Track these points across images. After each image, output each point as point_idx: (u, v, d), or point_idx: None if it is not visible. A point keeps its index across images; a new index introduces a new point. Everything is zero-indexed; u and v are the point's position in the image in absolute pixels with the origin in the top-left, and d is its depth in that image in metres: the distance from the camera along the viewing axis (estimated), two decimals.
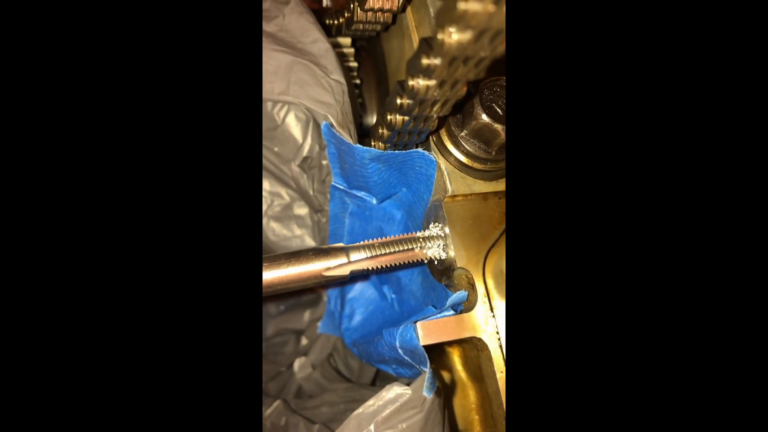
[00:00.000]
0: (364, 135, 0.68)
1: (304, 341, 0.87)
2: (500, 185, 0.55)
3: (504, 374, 0.48)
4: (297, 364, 0.84)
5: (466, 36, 0.33)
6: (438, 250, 0.54)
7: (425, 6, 0.55)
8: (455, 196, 0.53)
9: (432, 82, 0.40)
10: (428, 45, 0.37)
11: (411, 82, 0.41)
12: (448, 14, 0.32)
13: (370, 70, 0.72)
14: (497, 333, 0.49)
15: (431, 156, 0.54)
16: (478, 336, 0.49)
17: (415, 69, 0.39)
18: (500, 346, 0.49)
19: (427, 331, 0.48)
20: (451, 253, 0.52)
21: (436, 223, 0.55)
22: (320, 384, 0.82)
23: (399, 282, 0.69)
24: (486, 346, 0.49)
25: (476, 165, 0.54)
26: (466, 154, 0.54)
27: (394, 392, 0.53)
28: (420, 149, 0.54)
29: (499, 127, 0.51)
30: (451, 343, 0.63)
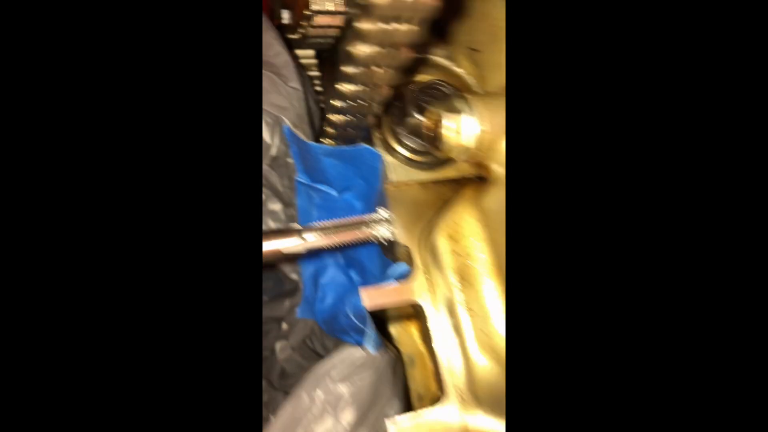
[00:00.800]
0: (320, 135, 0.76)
1: (284, 326, 0.95)
2: (438, 175, 0.63)
3: (439, 335, 0.56)
4: (278, 346, 0.92)
5: (371, 48, 0.42)
6: (385, 231, 0.62)
7: None
8: (398, 183, 0.61)
9: (354, 87, 0.48)
10: (346, 55, 0.45)
11: (340, 87, 0.49)
12: (352, 30, 0.41)
13: (330, 79, 0.80)
14: (434, 299, 0.57)
15: (375, 150, 0.62)
16: (415, 301, 0.57)
17: (340, 76, 0.48)
18: (435, 310, 0.57)
19: (370, 296, 0.56)
20: (394, 232, 0.61)
21: (383, 209, 0.63)
22: (299, 364, 0.90)
23: (362, 265, 0.78)
24: (423, 311, 0.57)
25: (417, 158, 0.63)
26: (407, 148, 0.63)
27: (348, 352, 0.61)
28: (365, 145, 0.63)
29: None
30: (407, 318, 0.71)
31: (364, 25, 0.38)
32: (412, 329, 0.73)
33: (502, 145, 0.49)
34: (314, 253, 0.77)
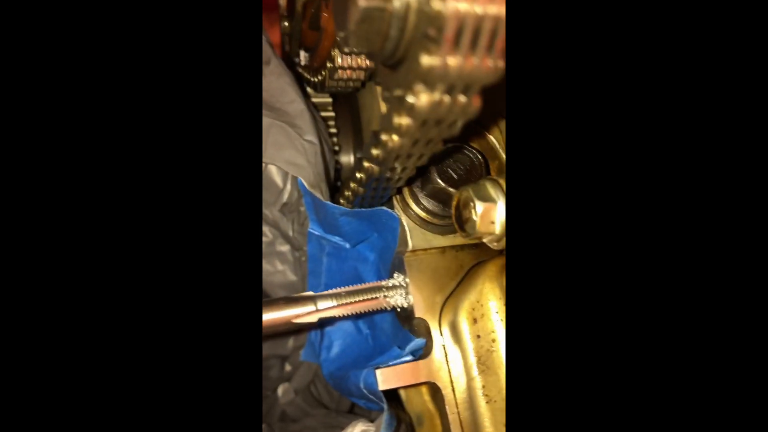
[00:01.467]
0: (338, 189, 0.73)
1: (287, 367, 0.93)
2: (457, 239, 0.61)
3: (455, 415, 0.54)
4: (281, 389, 0.89)
5: (403, 140, 0.39)
6: (400, 299, 0.60)
7: None
8: (415, 250, 0.58)
9: (382, 168, 0.45)
10: (376, 138, 0.42)
11: (366, 165, 0.46)
12: (389, 122, 0.38)
13: (346, 120, 0.77)
14: (450, 378, 0.54)
15: (394, 213, 0.59)
16: (433, 381, 0.54)
17: (367, 154, 0.45)
18: (452, 390, 0.54)
19: (385, 377, 0.53)
20: (411, 303, 0.58)
21: (399, 274, 0.60)
22: (302, 409, 0.87)
23: (372, 319, 0.75)
24: (440, 389, 0.54)
25: (435, 221, 0.60)
26: (426, 211, 0.60)
27: (359, 429, 0.58)
28: (384, 207, 0.60)
29: (453, 191, 0.56)
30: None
31: (399, 120, 0.35)
32: (422, 388, 0.71)
33: None
34: (327, 322, 0.74)
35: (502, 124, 0.58)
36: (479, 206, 0.45)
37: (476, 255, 0.60)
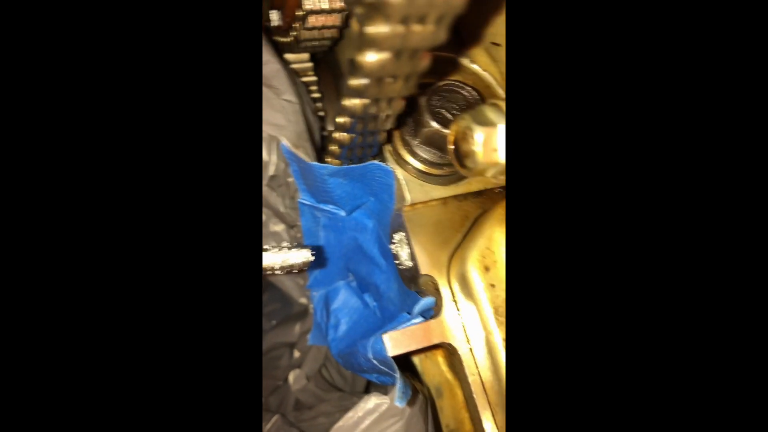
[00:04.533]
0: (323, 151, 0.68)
1: (296, 354, 0.88)
2: (459, 188, 0.56)
3: (476, 377, 0.49)
4: (292, 376, 0.85)
5: (384, 56, 0.34)
6: (407, 257, 0.55)
7: None
8: (414, 204, 0.53)
9: (366, 101, 0.40)
10: (352, 66, 0.37)
11: (346, 102, 0.41)
12: (361, 37, 0.33)
13: (329, 83, 0.72)
14: (466, 336, 0.49)
15: (387, 167, 0.54)
16: (447, 342, 0.49)
17: (346, 90, 0.40)
18: (470, 350, 0.49)
19: (395, 342, 0.48)
20: (413, 262, 0.53)
21: (400, 233, 0.55)
22: (316, 395, 0.83)
23: (378, 290, 0.70)
24: (456, 350, 0.49)
25: (433, 171, 0.55)
26: (423, 161, 0.55)
27: (373, 402, 0.53)
28: (376, 161, 0.54)
29: (449, 132, 0.51)
30: (432, 346, 0.64)
31: (375, 29, 0.30)
32: (438, 357, 0.66)
33: None
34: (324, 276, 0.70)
35: (499, 54, 0.52)
36: (479, 133, 0.39)
37: (481, 203, 0.55)
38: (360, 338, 0.69)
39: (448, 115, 0.52)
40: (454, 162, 0.44)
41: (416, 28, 0.31)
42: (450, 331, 0.50)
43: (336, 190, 0.60)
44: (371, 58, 0.33)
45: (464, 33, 0.53)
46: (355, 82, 0.38)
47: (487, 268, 0.47)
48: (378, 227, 0.66)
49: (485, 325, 0.48)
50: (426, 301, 0.52)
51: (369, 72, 0.35)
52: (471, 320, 0.49)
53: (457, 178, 0.55)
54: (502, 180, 0.44)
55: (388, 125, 0.46)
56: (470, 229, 0.52)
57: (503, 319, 0.46)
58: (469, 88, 0.53)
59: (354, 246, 0.72)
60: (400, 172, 0.54)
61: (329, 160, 0.56)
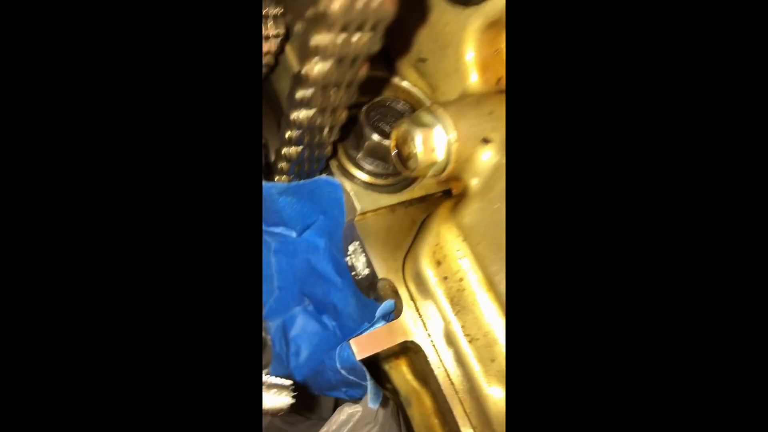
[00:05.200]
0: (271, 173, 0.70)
1: None
2: (404, 196, 0.59)
3: (441, 369, 0.51)
4: None
5: (327, 65, 0.37)
6: (363, 266, 0.56)
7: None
8: (365, 213, 0.56)
9: (311, 111, 0.43)
10: (298, 79, 0.40)
11: (293, 115, 0.44)
12: (306, 47, 0.36)
13: (267, 112, 0.74)
14: (427, 332, 0.51)
15: (335, 180, 0.57)
16: (410, 339, 0.51)
17: (292, 103, 0.42)
18: (432, 344, 0.51)
19: (361, 346, 0.49)
20: (369, 269, 0.55)
21: (354, 243, 0.57)
22: (282, 429, 0.80)
23: (336, 309, 0.71)
24: (420, 347, 0.51)
25: (379, 181, 0.58)
26: (368, 172, 0.58)
27: (346, 413, 0.53)
28: (324, 176, 0.57)
29: (388, 143, 0.55)
30: (395, 356, 0.65)
31: (319, 38, 0.34)
32: (403, 367, 0.67)
33: (477, 154, 0.45)
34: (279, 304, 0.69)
35: (426, 69, 0.57)
36: (419, 135, 0.43)
37: (425, 208, 0.58)
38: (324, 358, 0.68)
39: (386, 128, 0.56)
40: (397, 165, 0.48)
41: (355, 36, 0.35)
42: (411, 329, 0.52)
43: (286, 209, 0.61)
44: (316, 67, 0.36)
45: (393, 54, 0.58)
46: (301, 93, 0.40)
47: (438, 263, 0.50)
48: (330, 245, 0.67)
49: (444, 316, 0.50)
50: (386, 305, 0.53)
51: (314, 81, 0.38)
52: (430, 314, 0.51)
53: (402, 186, 0.59)
54: (443, 179, 0.48)
55: (333, 136, 0.49)
56: (418, 231, 0.56)
57: (459, 308, 0.49)
58: (402, 102, 0.57)
59: (307, 268, 0.72)
60: (347, 185, 0.57)
61: (278, 178, 0.58)
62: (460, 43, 0.49)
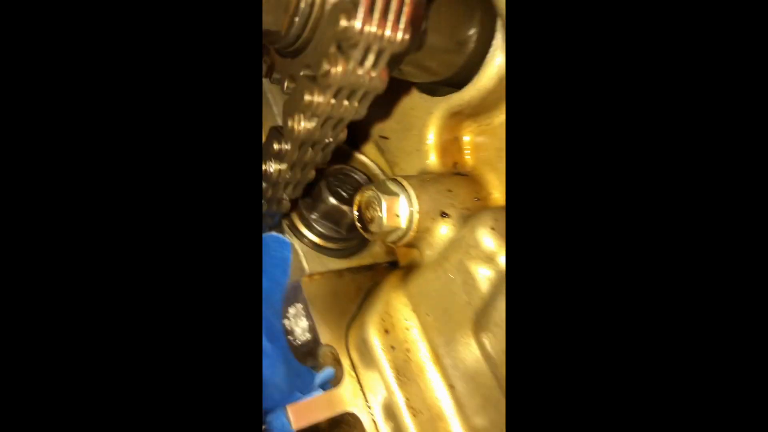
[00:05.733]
0: None
1: None
2: (353, 262, 0.59)
3: None
4: None
5: (312, 124, 0.38)
6: (302, 331, 0.54)
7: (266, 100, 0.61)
8: (312, 275, 0.55)
9: (284, 166, 0.43)
10: (278, 132, 0.41)
11: (264, 167, 0.44)
12: (296, 104, 0.37)
13: None
14: (367, 404, 0.50)
15: (285, 238, 0.56)
16: (349, 410, 0.49)
17: (267, 154, 0.42)
18: (372, 417, 0.49)
19: (298, 415, 0.46)
20: (310, 334, 0.53)
21: (296, 305, 0.55)
22: None
23: (265, 381, 0.66)
24: (359, 420, 0.49)
25: (329, 244, 0.58)
26: (318, 234, 0.58)
27: None
28: (274, 232, 0.56)
29: (345, 208, 0.56)
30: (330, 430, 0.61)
31: (312, 97, 0.35)
32: None
33: (435, 227, 0.48)
34: None
35: (386, 146, 0.61)
36: (383, 202, 0.45)
37: (372, 276, 0.59)
38: None
39: (344, 194, 0.57)
40: (358, 226, 0.49)
41: (345, 102, 0.37)
42: (351, 400, 0.49)
43: None
44: (303, 123, 0.38)
45: (355, 127, 0.61)
46: (279, 146, 0.41)
47: (386, 331, 0.50)
48: (268, 313, 0.64)
49: (387, 386, 0.49)
50: (325, 373, 0.51)
51: (296, 137, 0.39)
52: (372, 386, 0.50)
53: (349, 253, 0.59)
54: (399, 245, 0.50)
55: (297, 193, 0.49)
56: (365, 298, 0.56)
57: (405, 379, 0.48)
58: (360, 173, 0.60)
59: None
60: (297, 244, 0.56)
61: None
62: (423, 127, 0.53)
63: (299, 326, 0.55)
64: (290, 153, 0.42)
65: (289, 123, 0.38)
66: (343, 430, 0.54)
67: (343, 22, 0.32)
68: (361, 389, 0.50)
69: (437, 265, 0.48)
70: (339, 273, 0.57)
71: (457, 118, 0.52)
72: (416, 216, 0.46)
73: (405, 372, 0.48)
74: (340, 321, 0.54)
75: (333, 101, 0.36)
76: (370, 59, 0.34)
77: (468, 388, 0.45)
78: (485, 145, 0.53)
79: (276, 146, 0.41)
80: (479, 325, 0.43)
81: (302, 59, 0.37)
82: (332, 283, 0.55)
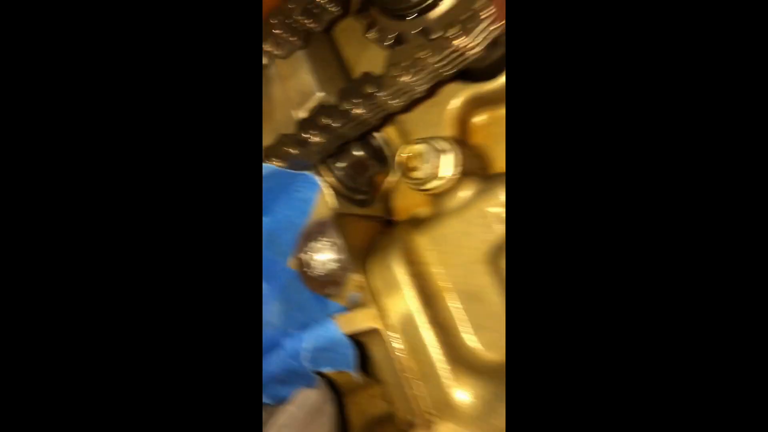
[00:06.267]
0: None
1: None
2: (366, 211, 0.68)
3: (399, 358, 0.58)
4: None
5: (412, 78, 0.48)
6: (323, 263, 0.61)
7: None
8: (342, 212, 0.62)
9: (360, 110, 0.52)
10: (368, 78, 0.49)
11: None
12: (404, 58, 0.46)
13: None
14: (388, 323, 0.59)
15: (315, 179, 0.62)
16: (374, 327, 0.57)
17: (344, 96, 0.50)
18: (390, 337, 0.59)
19: (346, 322, 0.53)
20: (334, 265, 0.60)
21: (322, 239, 0.62)
22: None
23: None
24: (381, 336, 0.58)
25: (347, 193, 0.66)
26: (340, 182, 0.65)
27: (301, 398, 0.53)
28: (306, 172, 0.62)
29: (369, 162, 0.65)
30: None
31: (423, 57, 0.45)
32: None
33: (461, 182, 0.60)
34: None
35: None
36: (433, 154, 0.56)
37: (377, 226, 0.68)
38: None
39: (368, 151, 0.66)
40: (402, 170, 0.58)
41: (447, 65, 0.48)
42: (375, 319, 0.58)
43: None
44: (404, 77, 0.47)
45: None
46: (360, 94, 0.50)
47: (409, 262, 0.60)
48: (267, 251, 0.68)
49: (410, 306, 0.58)
50: (351, 297, 0.59)
51: (394, 85, 0.48)
52: (394, 307, 0.59)
53: (359, 204, 0.68)
54: (428, 195, 0.60)
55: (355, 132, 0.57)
56: (382, 239, 0.65)
57: (426, 300, 0.59)
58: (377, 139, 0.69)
59: None
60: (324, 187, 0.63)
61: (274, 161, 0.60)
62: (446, 104, 0.66)
63: (319, 259, 0.62)
64: (378, 100, 0.50)
65: (394, 72, 0.48)
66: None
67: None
68: (382, 311, 0.59)
69: (458, 212, 0.60)
70: (360, 216, 0.65)
71: (475, 103, 0.66)
72: (455, 171, 0.58)
73: (426, 294, 0.59)
74: (362, 255, 0.62)
75: (439, 63, 0.47)
76: (481, 36, 0.45)
77: (478, 308, 0.58)
78: (489, 129, 0.68)
79: (360, 90, 0.50)
80: (492, 254, 0.56)
81: (420, 22, 0.47)
82: (356, 224, 0.63)
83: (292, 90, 0.66)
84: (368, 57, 0.69)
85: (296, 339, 0.59)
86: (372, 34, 0.51)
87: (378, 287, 0.60)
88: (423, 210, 0.68)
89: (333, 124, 0.54)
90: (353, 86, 0.51)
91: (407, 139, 0.71)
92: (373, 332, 0.57)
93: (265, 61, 0.65)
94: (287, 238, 0.65)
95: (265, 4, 0.56)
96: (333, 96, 0.60)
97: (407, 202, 0.72)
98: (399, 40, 0.49)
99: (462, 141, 0.66)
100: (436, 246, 0.61)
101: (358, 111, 0.52)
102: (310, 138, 0.55)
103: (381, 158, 0.69)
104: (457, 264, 0.59)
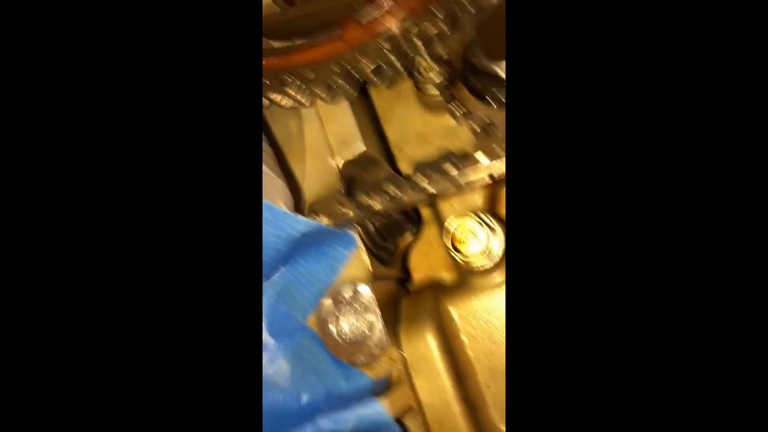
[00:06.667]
0: None
1: None
2: (388, 270, 0.65)
3: None
4: None
5: None
6: (352, 328, 0.57)
7: None
8: (378, 276, 0.59)
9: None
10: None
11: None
12: None
13: None
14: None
15: (353, 236, 0.58)
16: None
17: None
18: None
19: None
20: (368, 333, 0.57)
21: (354, 304, 0.58)
22: None
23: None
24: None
25: (378, 253, 0.63)
26: (373, 242, 0.62)
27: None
28: (342, 229, 0.58)
29: (404, 224, 0.63)
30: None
31: None
32: None
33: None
34: None
35: None
36: (484, 233, 0.56)
37: (398, 288, 0.66)
38: None
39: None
40: (447, 244, 0.57)
41: None
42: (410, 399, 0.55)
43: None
44: None
45: None
46: None
47: (443, 337, 0.58)
48: (279, 302, 0.62)
49: (443, 386, 0.56)
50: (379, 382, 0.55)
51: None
52: (426, 387, 0.56)
53: (387, 265, 0.65)
54: (469, 268, 0.59)
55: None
56: (407, 307, 0.62)
57: (456, 378, 0.57)
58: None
59: None
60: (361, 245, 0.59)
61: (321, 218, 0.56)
62: None
63: (352, 322, 0.58)
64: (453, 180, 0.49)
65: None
66: None
67: None
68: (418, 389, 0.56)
69: (490, 289, 0.60)
70: (385, 281, 0.62)
71: None
72: (498, 252, 0.58)
73: (457, 372, 0.57)
74: (390, 323, 0.59)
75: None
76: None
77: (498, 383, 0.58)
78: None
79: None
80: None
81: None
82: (389, 288, 0.61)
83: (330, 135, 0.63)
84: (398, 118, 0.67)
85: (330, 419, 0.54)
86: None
87: (414, 361, 0.57)
88: (447, 275, 0.67)
89: (398, 194, 0.51)
90: (434, 163, 0.49)
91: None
92: (410, 411, 0.55)
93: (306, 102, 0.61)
94: (308, 293, 0.60)
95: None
96: (375, 150, 0.58)
97: (426, 264, 0.70)
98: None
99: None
100: (469, 320, 0.60)
101: (426, 185, 0.51)
102: (371, 204, 0.52)
103: (413, 219, 0.67)
104: (485, 339, 0.59)
